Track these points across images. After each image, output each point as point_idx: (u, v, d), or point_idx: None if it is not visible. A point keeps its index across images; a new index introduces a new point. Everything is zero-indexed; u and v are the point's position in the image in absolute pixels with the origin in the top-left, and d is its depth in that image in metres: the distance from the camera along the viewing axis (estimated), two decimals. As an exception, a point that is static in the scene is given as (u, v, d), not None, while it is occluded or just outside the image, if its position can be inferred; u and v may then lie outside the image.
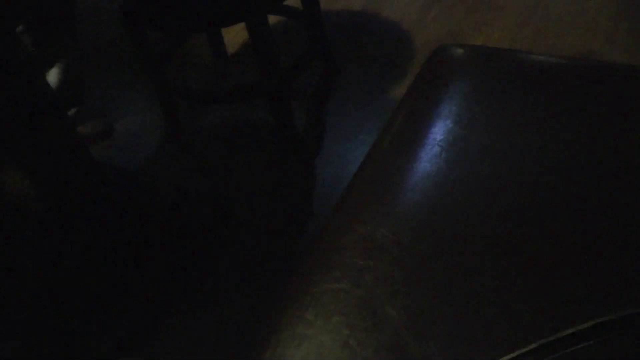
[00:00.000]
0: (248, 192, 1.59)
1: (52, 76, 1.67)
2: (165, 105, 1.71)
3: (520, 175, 0.81)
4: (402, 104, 1.04)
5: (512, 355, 0.52)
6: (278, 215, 1.53)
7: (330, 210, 0.87)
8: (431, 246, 0.71)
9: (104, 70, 2.02)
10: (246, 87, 1.67)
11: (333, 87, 1.81)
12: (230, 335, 1.28)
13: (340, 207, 0.85)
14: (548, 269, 0.66)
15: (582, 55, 1.77)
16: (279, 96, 1.57)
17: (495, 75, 1.03)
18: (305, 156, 1.65)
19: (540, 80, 1.00)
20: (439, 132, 0.91)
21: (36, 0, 1.63)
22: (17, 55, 1.21)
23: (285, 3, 1.60)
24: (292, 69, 1.62)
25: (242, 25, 1.56)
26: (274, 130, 1.71)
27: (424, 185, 0.82)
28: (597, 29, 1.85)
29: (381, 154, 0.93)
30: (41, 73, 1.46)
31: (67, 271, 1.38)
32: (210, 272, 1.43)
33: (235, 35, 2.03)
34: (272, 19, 2.06)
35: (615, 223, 0.70)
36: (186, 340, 1.30)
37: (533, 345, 0.50)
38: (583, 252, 0.67)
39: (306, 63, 1.66)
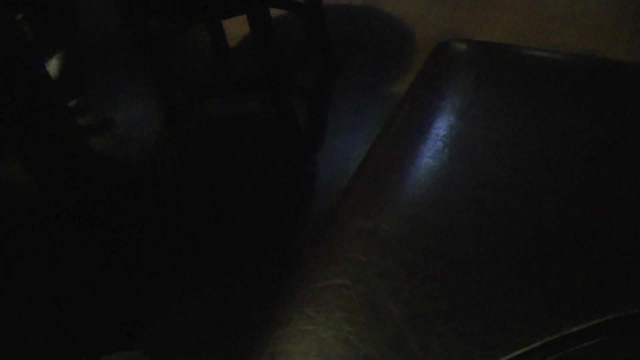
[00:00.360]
0: (247, 186, 1.58)
1: (51, 66, 1.66)
2: (165, 97, 1.70)
3: (523, 171, 0.80)
4: (405, 99, 1.03)
5: (516, 353, 0.51)
6: (278, 210, 1.52)
7: (331, 205, 0.86)
8: (433, 242, 0.70)
9: (103, 61, 2.01)
10: (246, 80, 1.66)
11: (334, 81, 1.81)
12: (229, 329, 1.28)
13: (341, 201, 0.84)
14: (552, 265, 0.66)
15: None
16: (279, 90, 1.56)
17: (498, 70, 1.02)
18: (305, 150, 1.64)
19: (543, 76, 1.00)
20: (441, 127, 0.90)
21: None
22: (16, 44, 1.20)
23: (287, -4, 1.59)
24: (293, 62, 1.61)
25: (242, 18, 1.55)
26: (273, 124, 1.70)
27: (426, 181, 0.81)
28: (600, 29, 1.84)
29: (383, 149, 0.92)
30: (40, 63, 1.44)
31: (62, 262, 1.38)
32: (208, 265, 1.42)
33: (236, 29, 2.02)
34: (274, 12, 2.04)
35: (621, 220, 0.70)
36: (184, 333, 1.30)
37: (537, 344, 0.49)
38: (589, 250, 0.67)
39: (307, 57, 1.65)
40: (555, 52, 1.17)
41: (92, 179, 1.40)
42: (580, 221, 0.71)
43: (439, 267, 0.67)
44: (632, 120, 0.88)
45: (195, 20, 1.73)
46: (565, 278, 0.64)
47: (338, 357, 0.60)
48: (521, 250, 0.68)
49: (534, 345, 0.51)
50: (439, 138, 0.89)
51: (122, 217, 1.47)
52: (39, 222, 1.34)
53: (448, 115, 0.93)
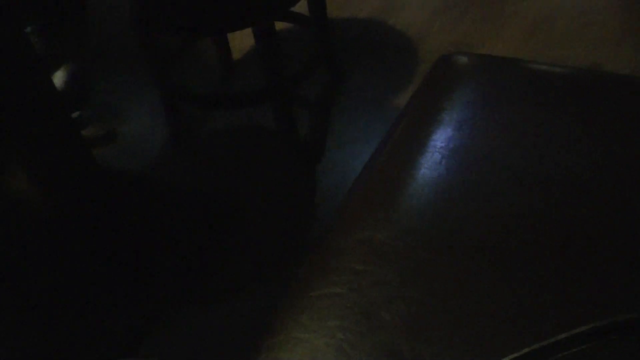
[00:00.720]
0: (250, 198, 1.59)
1: (59, 78, 1.68)
2: (170, 109, 1.72)
3: (519, 184, 0.81)
4: (405, 111, 1.04)
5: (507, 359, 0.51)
6: (280, 220, 1.53)
7: (331, 216, 0.87)
8: (428, 252, 0.71)
9: (109, 72, 2.04)
10: (250, 93, 1.68)
11: (338, 94, 1.82)
12: (230, 337, 1.29)
13: (340, 212, 0.85)
14: (545, 274, 0.66)
15: (590, 67, 1.77)
16: (283, 102, 1.58)
17: (498, 84, 1.03)
18: (309, 162, 1.65)
19: (543, 90, 1.00)
20: (440, 139, 0.91)
21: (47, 1, 1.64)
22: (25, 57, 1.22)
23: (292, 9, 1.61)
24: (297, 75, 1.63)
25: (248, 31, 1.57)
26: (277, 136, 1.72)
27: (423, 192, 0.82)
28: (603, 43, 1.85)
29: (382, 161, 0.93)
30: (48, 75, 1.47)
31: (69, 272, 1.39)
32: (211, 275, 1.43)
33: (241, 41, 2.04)
34: (279, 24, 2.06)
35: (614, 230, 0.70)
36: (186, 341, 1.30)
37: (527, 350, 0.50)
38: (581, 258, 0.67)
39: (311, 70, 1.67)
40: (555, 66, 1.18)
41: (98, 191, 1.41)
42: (576, 232, 0.72)
43: (433, 277, 0.68)
44: (633, 134, 0.89)
45: (203, 33, 1.76)
46: (558, 286, 0.64)
47: (331, 364, 0.60)
48: (514, 261, 0.69)
49: (524, 352, 0.51)
50: (437, 150, 0.89)
51: (127, 228, 1.49)
52: (46, 232, 1.36)
53: (447, 128, 0.94)
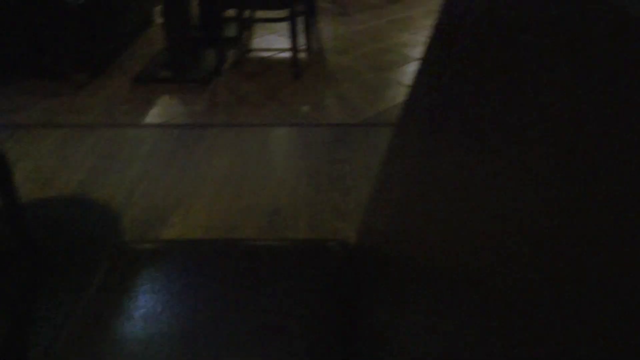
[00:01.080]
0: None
1: None
2: None
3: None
4: (84, 302, 1.12)
5: None
6: None
7: None
8: None
9: None
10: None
11: (42, 284, 1.81)
12: None
13: None
14: None
15: (274, 212, 2.02)
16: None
17: (163, 267, 1.17)
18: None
19: (206, 264, 1.16)
20: (113, 328, 1.00)
21: None
22: None
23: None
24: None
25: None
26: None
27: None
28: (284, 187, 2.14)
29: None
30: None
31: None
32: None
33: None
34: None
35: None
36: None
37: None
38: None
39: (10, 260, 1.66)
40: (209, 241, 1.36)
41: None
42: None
43: None
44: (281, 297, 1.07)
45: None
46: None
47: None
48: None
49: None
50: (114, 342, 0.98)
51: None
52: None
53: (122, 315, 1.03)
